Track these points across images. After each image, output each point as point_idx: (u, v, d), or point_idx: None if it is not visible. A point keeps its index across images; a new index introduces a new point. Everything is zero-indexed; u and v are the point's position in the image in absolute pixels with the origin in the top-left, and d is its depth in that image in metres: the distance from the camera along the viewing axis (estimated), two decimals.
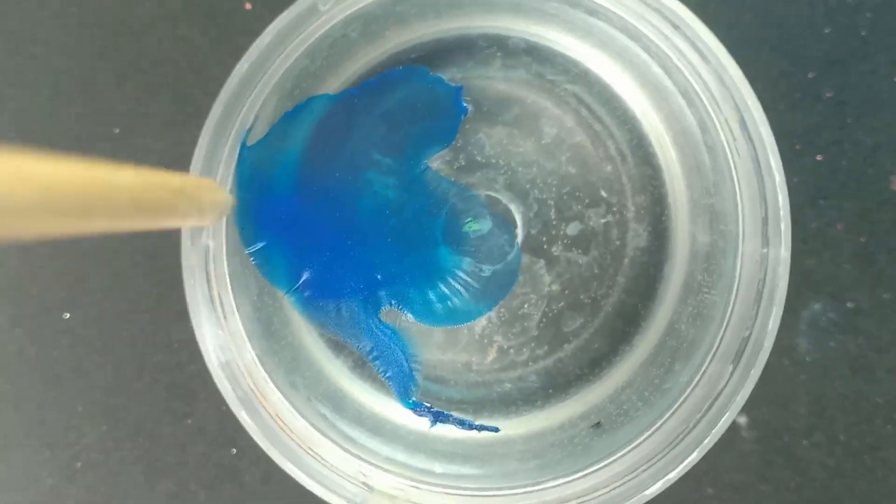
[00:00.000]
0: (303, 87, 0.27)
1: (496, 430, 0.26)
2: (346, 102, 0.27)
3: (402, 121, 0.27)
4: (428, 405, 0.26)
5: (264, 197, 0.25)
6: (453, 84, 0.27)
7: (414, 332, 0.29)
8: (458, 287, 0.27)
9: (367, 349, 0.26)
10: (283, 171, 0.26)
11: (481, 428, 0.26)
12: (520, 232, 0.28)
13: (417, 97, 0.27)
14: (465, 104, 0.27)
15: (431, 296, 0.27)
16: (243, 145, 0.25)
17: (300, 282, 0.26)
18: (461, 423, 0.26)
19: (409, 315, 0.27)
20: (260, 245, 0.25)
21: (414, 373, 0.26)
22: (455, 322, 0.27)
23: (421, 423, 0.28)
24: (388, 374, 0.26)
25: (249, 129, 0.25)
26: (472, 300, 0.27)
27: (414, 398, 0.26)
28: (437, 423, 0.26)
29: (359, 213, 0.26)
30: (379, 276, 0.26)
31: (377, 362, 0.26)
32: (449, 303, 0.27)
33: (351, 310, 0.26)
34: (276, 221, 0.26)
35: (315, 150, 0.26)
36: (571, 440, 0.26)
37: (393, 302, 0.26)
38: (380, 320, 0.26)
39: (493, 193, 0.28)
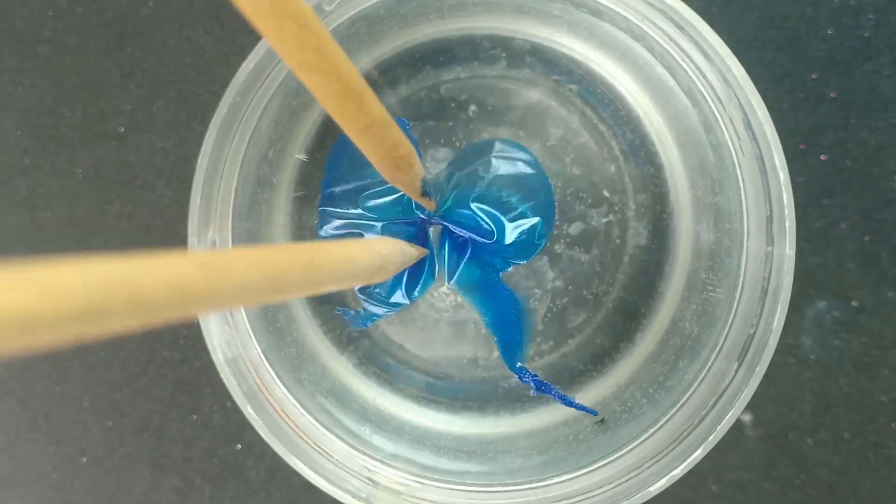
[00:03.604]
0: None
1: (595, 413, 0.27)
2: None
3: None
4: (533, 373, 0.26)
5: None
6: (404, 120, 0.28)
7: (420, 326, 0.29)
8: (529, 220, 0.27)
9: (486, 308, 0.27)
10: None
11: (580, 407, 0.26)
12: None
13: None
14: (413, 137, 0.28)
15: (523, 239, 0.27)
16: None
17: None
18: (562, 399, 0.26)
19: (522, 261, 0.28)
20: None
21: (524, 338, 0.27)
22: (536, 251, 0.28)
23: (426, 419, 0.28)
24: (498, 336, 0.27)
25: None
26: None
27: (520, 363, 0.27)
28: (539, 392, 0.26)
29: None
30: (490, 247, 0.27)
31: (492, 322, 0.27)
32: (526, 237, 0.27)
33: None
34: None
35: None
36: (576, 437, 0.26)
37: (509, 258, 0.27)
38: (502, 283, 0.27)
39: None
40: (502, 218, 0.27)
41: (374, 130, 0.18)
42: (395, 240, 0.24)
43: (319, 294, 0.27)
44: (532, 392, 0.26)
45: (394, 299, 0.27)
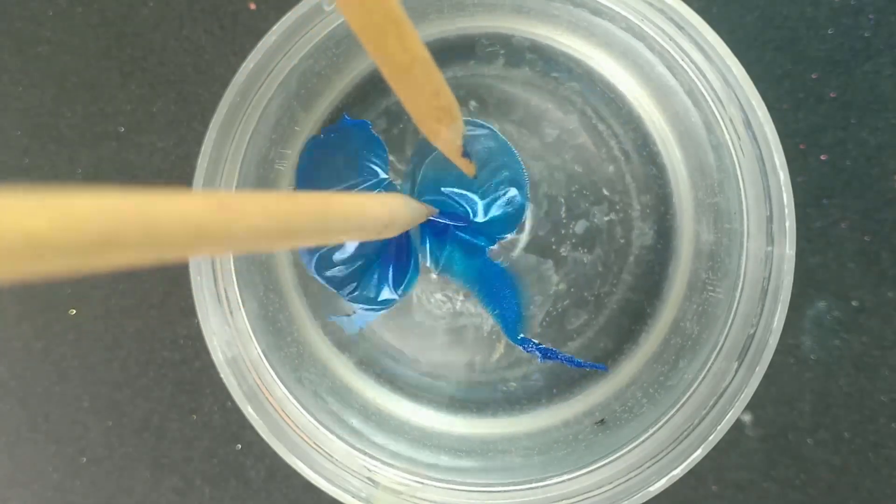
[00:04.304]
0: (308, 87, 0.27)
1: (605, 368, 0.27)
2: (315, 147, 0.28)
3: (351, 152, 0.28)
4: (536, 342, 0.26)
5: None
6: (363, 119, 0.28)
7: (418, 333, 0.29)
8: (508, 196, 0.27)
9: (478, 288, 0.27)
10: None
11: (590, 366, 0.26)
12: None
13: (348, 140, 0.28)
14: (376, 135, 0.28)
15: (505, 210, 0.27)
16: None
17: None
18: (570, 361, 0.26)
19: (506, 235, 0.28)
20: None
21: (522, 310, 0.27)
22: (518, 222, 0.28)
23: (426, 419, 0.28)
24: (496, 312, 0.27)
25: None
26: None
27: (522, 335, 0.26)
28: (547, 360, 0.26)
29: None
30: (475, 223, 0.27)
31: (486, 299, 0.27)
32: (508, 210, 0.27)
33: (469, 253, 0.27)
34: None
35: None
36: (576, 437, 0.26)
37: (494, 237, 0.27)
38: (490, 259, 0.27)
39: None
40: (474, 197, 0.27)
41: (414, 72, 0.17)
42: (402, 195, 0.23)
43: (330, 244, 0.26)
44: (539, 361, 0.26)
45: (382, 297, 0.27)
